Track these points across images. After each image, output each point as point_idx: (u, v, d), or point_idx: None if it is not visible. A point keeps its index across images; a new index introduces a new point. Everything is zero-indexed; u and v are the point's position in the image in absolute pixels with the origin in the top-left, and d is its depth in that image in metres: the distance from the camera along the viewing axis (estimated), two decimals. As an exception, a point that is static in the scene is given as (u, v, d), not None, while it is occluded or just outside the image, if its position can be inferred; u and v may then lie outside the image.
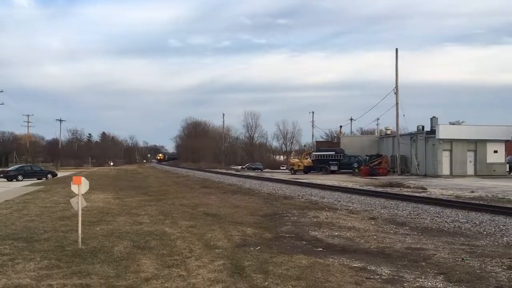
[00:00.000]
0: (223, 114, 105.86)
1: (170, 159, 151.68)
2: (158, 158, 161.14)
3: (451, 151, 43.71)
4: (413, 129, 50.86)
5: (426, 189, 25.76)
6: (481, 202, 18.10)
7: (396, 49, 46.73)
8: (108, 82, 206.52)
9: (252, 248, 9.07)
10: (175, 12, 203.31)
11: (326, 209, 16.48)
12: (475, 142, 44.14)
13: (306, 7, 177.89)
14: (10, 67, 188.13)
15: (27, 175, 41.79)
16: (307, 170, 53.92)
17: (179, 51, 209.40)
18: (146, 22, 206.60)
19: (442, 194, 22.52)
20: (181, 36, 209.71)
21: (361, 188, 26.66)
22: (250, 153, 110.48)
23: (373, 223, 13.09)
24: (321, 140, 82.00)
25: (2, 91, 71.40)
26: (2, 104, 71.39)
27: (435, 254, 8.75)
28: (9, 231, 11.09)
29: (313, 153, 58.24)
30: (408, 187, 27.24)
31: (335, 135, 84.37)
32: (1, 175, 41.60)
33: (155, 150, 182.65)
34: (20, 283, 6.55)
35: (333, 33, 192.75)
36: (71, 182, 9.26)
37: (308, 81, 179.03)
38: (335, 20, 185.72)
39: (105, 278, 6.83)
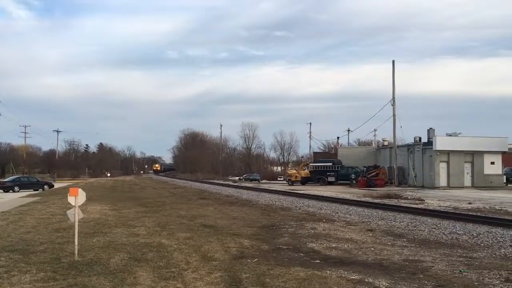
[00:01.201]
0: (221, 125, 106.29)
1: (167, 170, 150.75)
2: (155, 169, 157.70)
3: (448, 162, 43.77)
4: (410, 140, 51.01)
5: (424, 200, 25.75)
6: (479, 214, 18.10)
7: (393, 61, 47.04)
8: (105, 93, 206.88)
9: (249, 260, 9.04)
10: (173, 24, 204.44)
11: (324, 220, 16.45)
12: (472, 153, 44.23)
13: (303, 20, 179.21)
14: (8, 78, 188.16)
15: (23, 186, 41.62)
16: (304, 181, 53.86)
17: (176, 63, 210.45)
18: (144, 34, 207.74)
19: (440, 206, 22.51)
20: (179, 48, 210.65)
21: (359, 199, 26.63)
22: (248, 164, 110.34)
23: (370, 234, 13.06)
24: (318, 151, 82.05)
25: (-1, 102, 71.26)
26: (0, 115, 71.34)
27: (432, 266, 8.73)
28: (5, 243, 11.03)
29: (311, 164, 58.25)
30: (406, 198, 27.23)
31: (332, 146, 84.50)
32: (-3, 186, 41.44)
33: (152, 161, 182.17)
34: (16, 296, 6.50)
35: (330, 45, 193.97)
36: (68, 194, 9.24)
37: (305, 93, 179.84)
38: (332, 32, 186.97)
39: (102, 290, 6.79)
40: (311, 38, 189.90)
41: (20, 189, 40.36)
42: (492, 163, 44.51)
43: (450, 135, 45.52)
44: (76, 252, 9.12)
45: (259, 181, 72.02)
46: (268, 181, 72.32)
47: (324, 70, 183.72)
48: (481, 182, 43.37)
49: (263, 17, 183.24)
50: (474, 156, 44.23)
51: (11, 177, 49.49)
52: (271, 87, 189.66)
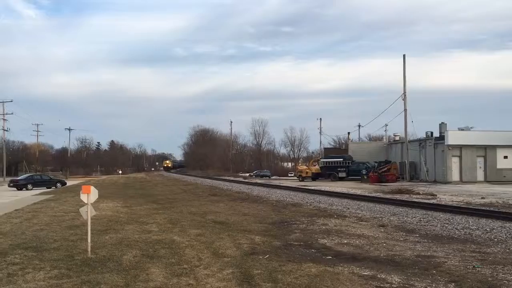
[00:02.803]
0: (231, 122, 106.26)
1: (177, 166, 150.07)
2: (165, 165, 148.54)
3: (460, 157, 43.42)
4: (421, 135, 50.65)
5: (436, 195, 25.58)
6: (492, 209, 17.93)
7: (404, 55, 46.67)
8: (115, 91, 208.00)
9: (261, 257, 9.04)
10: (180, 21, 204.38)
11: (335, 216, 16.40)
12: (485, 147, 43.83)
13: (310, 15, 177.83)
14: (19, 77, 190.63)
15: (36, 184, 42.06)
16: (315, 177, 53.77)
17: (184, 60, 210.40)
18: (151, 31, 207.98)
19: (452, 201, 22.35)
20: (186, 45, 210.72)
21: (370, 195, 26.52)
22: (258, 160, 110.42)
23: (382, 230, 13.00)
24: (329, 147, 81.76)
25: (11, 101, 72.21)
26: (12, 113, 72.22)
27: (445, 262, 8.66)
28: (19, 240, 11.16)
29: (321, 160, 58.08)
30: (418, 193, 27.06)
31: (343, 141, 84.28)
32: (11, 184, 42.00)
33: (163, 158, 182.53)
34: (30, 293, 6.58)
35: (338, 40, 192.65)
36: (80, 191, 9.31)
37: (315, 88, 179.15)
38: (339, 27, 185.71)
39: (115, 287, 6.84)
40: (319, 34, 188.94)
41: (33, 187, 40.81)
42: (505, 157, 44.07)
43: (462, 129, 45.13)
44: (89, 249, 9.20)
45: (269, 177, 72.05)
46: (278, 177, 72.32)
47: (333, 66, 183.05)
48: (494, 177, 42.97)
49: (270, 13, 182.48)
50: (487, 150, 43.83)
51: (24, 175, 50.02)
52: (280, 83, 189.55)
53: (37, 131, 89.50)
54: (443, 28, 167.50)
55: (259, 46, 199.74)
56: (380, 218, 15.75)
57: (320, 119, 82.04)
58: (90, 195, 9.19)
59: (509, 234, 11.86)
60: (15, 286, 6.93)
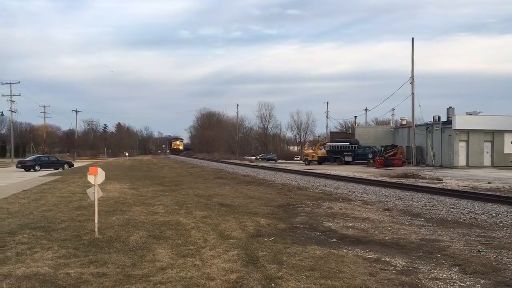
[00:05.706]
0: (237, 105, 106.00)
1: (184, 149, 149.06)
2: (174, 147, 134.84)
3: (467, 141, 43.17)
4: (428, 119, 50.27)
5: (442, 180, 25.52)
6: (498, 193, 17.88)
7: (412, 39, 46.03)
8: (122, 74, 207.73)
9: (266, 239, 9.11)
10: (185, 3, 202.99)
11: (341, 200, 16.44)
12: (492, 132, 43.51)
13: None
14: (26, 59, 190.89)
15: (44, 165, 42.41)
16: (321, 161, 53.71)
17: (190, 42, 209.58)
18: (157, 13, 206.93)
19: (458, 185, 22.30)
20: (192, 27, 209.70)
21: (376, 179, 26.51)
22: (264, 143, 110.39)
23: (387, 214, 13.03)
24: (335, 130, 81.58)
25: (19, 82, 72.46)
26: (19, 95, 72.52)
27: (450, 246, 8.68)
28: (27, 220, 11.30)
29: (328, 143, 57.96)
30: (424, 178, 27.01)
31: (349, 125, 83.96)
32: (19, 165, 42.36)
33: (169, 140, 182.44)
34: (39, 272, 6.69)
35: (345, 23, 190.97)
36: (88, 173, 9.39)
37: (321, 72, 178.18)
38: (346, 10, 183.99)
39: (121, 267, 6.93)
40: (325, 17, 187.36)
41: (40, 168, 41.16)
42: (513, 142, 43.77)
43: (470, 114, 44.78)
44: (96, 229, 9.31)
45: (275, 161, 72.05)
46: (284, 161, 72.32)
47: (339, 49, 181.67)
48: (501, 162, 42.73)
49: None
50: (494, 135, 43.52)
51: (32, 157, 50.39)
52: (286, 66, 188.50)
53: (44, 112, 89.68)
54: (451, 12, 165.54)
55: (264, 29, 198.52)
56: (386, 202, 15.77)
57: (327, 103, 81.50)
58: (97, 177, 9.26)
59: (515, 219, 11.84)
60: (24, 265, 7.05)
